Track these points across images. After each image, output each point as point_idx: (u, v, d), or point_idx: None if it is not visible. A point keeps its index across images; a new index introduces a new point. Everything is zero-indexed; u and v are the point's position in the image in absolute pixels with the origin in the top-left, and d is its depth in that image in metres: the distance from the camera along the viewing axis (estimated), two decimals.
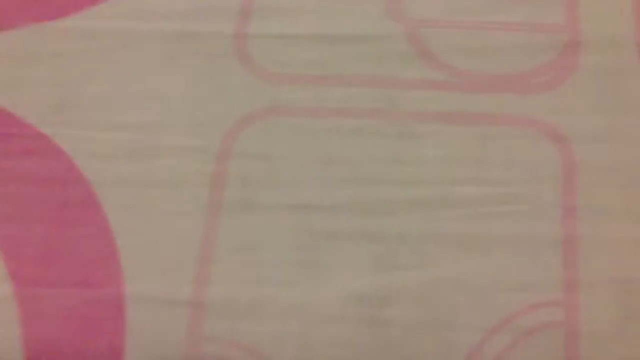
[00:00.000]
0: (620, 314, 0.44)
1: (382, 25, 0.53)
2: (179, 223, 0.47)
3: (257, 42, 0.53)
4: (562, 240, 0.46)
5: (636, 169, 0.48)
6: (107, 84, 0.52)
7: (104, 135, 0.50)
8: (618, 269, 0.45)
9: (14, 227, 0.48)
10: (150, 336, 0.45)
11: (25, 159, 0.49)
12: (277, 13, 0.54)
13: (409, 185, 0.48)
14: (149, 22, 0.54)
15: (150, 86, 0.52)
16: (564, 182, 0.48)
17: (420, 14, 0.54)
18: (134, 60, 0.53)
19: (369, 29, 0.53)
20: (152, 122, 0.51)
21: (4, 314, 0.45)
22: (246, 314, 0.45)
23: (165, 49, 0.53)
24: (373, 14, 0.54)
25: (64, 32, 0.54)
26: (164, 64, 0.52)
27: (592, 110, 0.50)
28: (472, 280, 0.45)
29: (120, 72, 0.52)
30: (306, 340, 0.44)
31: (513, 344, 0.44)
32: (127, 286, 0.46)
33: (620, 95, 0.50)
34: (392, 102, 0.51)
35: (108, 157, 0.49)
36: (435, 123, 0.50)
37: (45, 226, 0.47)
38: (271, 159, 0.49)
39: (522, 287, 0.45)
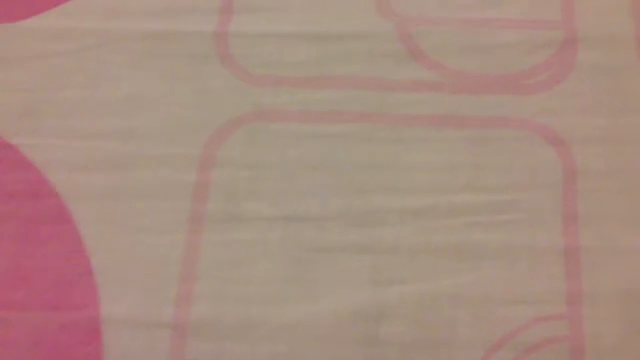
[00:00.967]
0: (625, 327, 0.42)
1: (372, 23, 0.51)
2: (158, 238, 0.45)
3: (239, 42, 0.50)
4: (564, 250, 0.44)
5: (637, 173, 0.46)
6: (79, 89, 0.49)
7: (77, 144, 0.47)
8: (622, 279, 0.44)
9: None
10: None
11: None
12: (261, 10, 0.51)
13: (402, 193, 0.46)
14: (124, 20, 0.51)
15: (127, 90, 0.49)
16: (565, 188, 0.46)
17: (412, 11, 0.52)
18: (109, 62, 0.50)
19: (359, 27, 0.51)
20: (129, 129, 0.48)
21: None
22: (233, 334, 0.43)
23: (142, 50, 0.50)
24: (362, 11, 0.52)
25: (33, 32, 0.51)
26: (141, 65, 0.50)
27: (591, 111, 0.48)
28: (471, 294, 0.43)
29: (94, 75, 0.49)
30: None
31: None
32: (103, 308, 0.43)
33: (620, 94, 0.49)
34: (383, 105, 0.49)
35: (81, 168, 0.47)
36: (428, 127, 0.48)
37: (13, 244, 0.45)
38: (257, 167, 0.47)
39: (524, 300, 0.43)
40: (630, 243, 0.44)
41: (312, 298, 0.43)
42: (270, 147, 0.47)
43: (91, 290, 0.43)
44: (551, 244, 0.45)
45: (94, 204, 0.46)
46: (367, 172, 0.47)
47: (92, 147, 0.47)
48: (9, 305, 0.43)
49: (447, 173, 0.47)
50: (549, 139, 0.47)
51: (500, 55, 0.50)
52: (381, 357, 0.42)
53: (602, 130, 0.48)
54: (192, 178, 0.46)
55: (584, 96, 0.49)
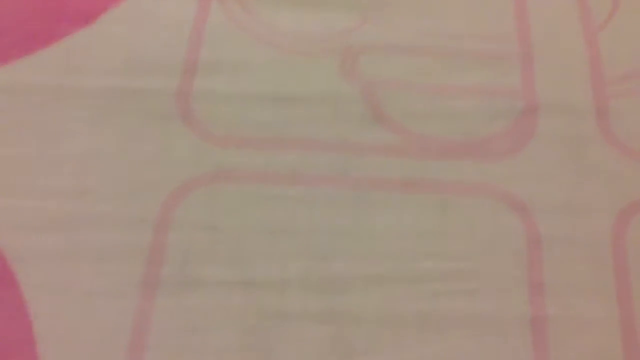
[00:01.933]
0: None
1: (336, 85, 0.51)
2: (107, 304, 0.42)
3: (201, 101, 0.49)
4: (530, 320, 0.43)
5: (601, 241, 0.46)
6: (29, 145, 0.47)
7: (25, 203, 0.45)
8: (589, 350, 0.43)
9: None
10: None
11: None
12: (224, 70, 0.50)
13: (364, 259, 0.45)
14: (83, 77, 0.50)
15: (79, 147, 0.47)
16: (529, 256, 0.45)
17: (376, 74, 0.51)
18: (62, 118, 0.48)
19: (322, 89, 0.50)
20: (81, 189, 0.46)
21: None
22: None
23: (99, 107, 0.48)
24: (326, 74, 0.51)
25: None
26: (96, 122, 0.48)
27: (553, 179, 0.48)
28: None
29: (44, 132, 0.47)
30: None
31: None
32: None
33: (581, 162, 0.49)
34: (346, 168, 0.48)
35: (28, 228, 0.44)
36: (391, 191, 0.47)
37: None
38: (215, 229, 0.45)
39: None
40: (595, 314, 0.44)
41: None
42: (230, 209, 0.46)
43: (32, 359, 0.40)
44: (518, 313, 0.43)
45: (39, 266, 0.43)
46: (328, 236, 0.45)
47: (41, 206, 0.45)
48: None
49: (412, 239, 0.46)
50: (512, 206, 0.47)
51: (462, 122, 0.50)
52: None
53: (564, 199, 0.47)
54: (147, 240, 0.44)
55: (546, 164, 0.49)
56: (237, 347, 0.42)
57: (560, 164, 0.49)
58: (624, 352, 0.42)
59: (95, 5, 0.53)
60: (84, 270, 0.43)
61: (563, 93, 0.51)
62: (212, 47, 0.51)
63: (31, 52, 0.50)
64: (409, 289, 0.44)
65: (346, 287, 0.44)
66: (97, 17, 0.52)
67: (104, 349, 0.41)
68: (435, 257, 0.45)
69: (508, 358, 0.42)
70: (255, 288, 0.43)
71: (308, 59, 0.52)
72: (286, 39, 0.52)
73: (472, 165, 0.48)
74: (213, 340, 0.42)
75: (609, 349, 0.43)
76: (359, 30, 0.53)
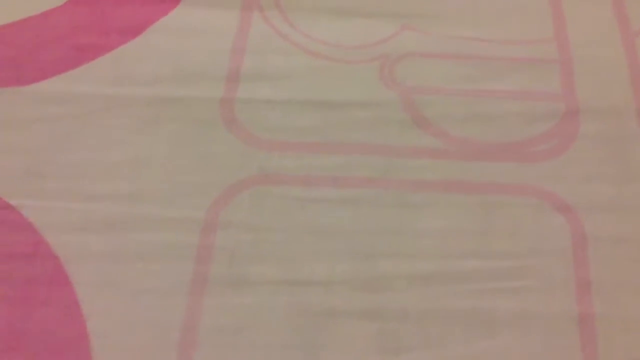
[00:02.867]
0: None
1: (376, 91, 0.51)
2: (158, 302, 0.43)
3: (245, 107, 0.50)
4: (578, 318, 0.43)
5: None
6: (82, 151, 0.48)
7: (76, 206, 0.46)
8: (638, 348, 0.42)
9: None
10: None
11: None
12: (267, 78, 0.52)
13: (408, 258, 0.45)
14: (131, 86, 0.51)
15: (130, 153, 0.48)
16: (575, 255, 0.45)
17: (414, 81, 0.52)
18: (113, 126, 0.49)
19: (363, 95, 0.51)
20: (130, 192, 0.47)
21: None
22: None
23: (147, 114, 0.50)
24: (366, 80, 0.52)
25: (40, 96, 0.51)
26: (145, 129, 0.49)
27: (597, 179, 0.48)
28: None
29: (97, 139, 0.49)
30: None
31: None
32: None
33: (624, 163, 0.49)
34: (388, 170, 0.48)
35: (80, 230, 0.45)
36: (433, 192, 0.47)
37: (9, 306, 0.43)
38: (261, 231, 0.46)
39: None
40: None
41: None
42: (275, 211, 0.46)
43: (85, 355, 0.41)
44: (565, 312, 0.43)
45: (92, 266, 0.44)
46: (373, 237, 0.46)
47: (93, 209, 0.46)
48: None
49: (455, 239, 0.46)
50: (557, 205, 0.47)
51: (502, 125, 0.50)
52: None
53: (609, 198, 0.47)
54: (195, 241, 0.45)
55: (589, 165, 0.48)
56: (284, 345, 0.42)
57: (604, 164, 0.48)
58: None
59: (142, 18, 0.54)
60: (135, 269, 0.44)
61: (604, 96, 0.51)
62: (254, 56, 0.52)
63: (82, 64, 0.52)
64: (454, 287, 0.44)
65: (391, 285, 0.44)
66: (143, 29, 0.54)
67: (155, 346, 0.42)
68: (480, 256, 0.45)
69: (556, 356, 0.42)
70: (302, 287, 0.44)
71: (347, 66, 0.53)
72: (326, 47, 0.53)
73: (513, 166, 0.48)
74: (261, 339, 0.42)
75: None
76: (396, 38, 0.54)
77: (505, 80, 0.52)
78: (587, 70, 0.53)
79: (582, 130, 0.50)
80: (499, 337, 0.42)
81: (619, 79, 0.52)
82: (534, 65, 0.53)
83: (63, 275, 0.44)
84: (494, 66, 0.53)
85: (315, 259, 0.45)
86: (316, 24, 0.55)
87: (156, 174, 0.47)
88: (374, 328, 0.42)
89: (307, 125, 0.50)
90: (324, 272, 0.44)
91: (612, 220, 0.46)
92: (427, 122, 0.50)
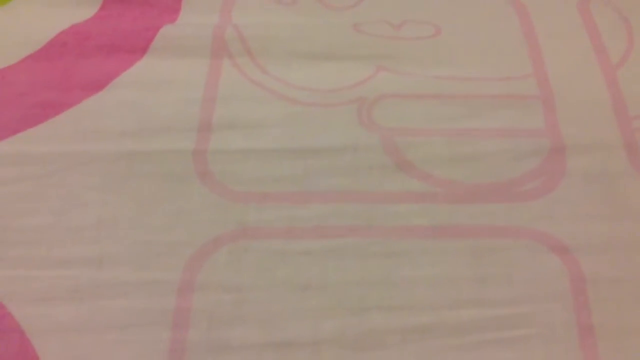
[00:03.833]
0: None
1: (356, 135, 0.49)
2: None
3: (219, 158, 0.48)
4: None
5: None
6: (43, 215, 0.45)
7: (42, 273, 0.43)
8: None
9: None
10: None
11: None
12: (240, 127, 0.49)
13: (400, 311, 0.42)
14: (94, 142, 0.48)
15: (95, 214, 0.45)
16: (575, 298, 0.43)
17: (395, 122, 0.50)
18: (76, 185, 0.46)
19: (342, 139, 0.49)
20: (98, 256, 0.44)
21: None
22: None
23: (113, 171, 0.47)
24: (344, 124, 0.50)
25: None
26: (112, 187, 0.46)
27: (590, 218, 0.46)
28: None
29: (59, 200, 0.46)
30: None
31: None
32: None
33: (616, 200, 0.47)
34: (372, 218, 0.46)
35: (46, 300, 0.42)
36: (421, 239, 0.45)
37: None
38: (241, 290, 0.43)
39: None
40: None
41: None
42: (256, 267, 0.44)
43: None
44: (569, 359, 0.41)
45: (60, 339, 0.41)
46: (361, 289, 0.43)
47: (58, 276, 0.43)
48: None
49: (448, 287, 0.43)
50: (552, 246, 0.45)
51: (488, 164, 0.48)
52: None
53: (605, 237, 0.45)
54: (171, 305, 0.42)
55: (581, 203, 0.47)
56: None
57: (595, 202, 0.47)
58: None
59: (106, 71, 0.52)
60: (107, 340, 0.41)
61: (589, 131, 0.50)
62: (226, 104, 0.50)
63: (41, 122, 0.49)
64: (450, 340, 0.41)
65: (384, 341, 0.41)
66: (107, 83, 0.51)
67: None
68: (476, 304, 0.43)
69: None
70: (287, 349, 0.41)
71: (324, 110, 0.51)
72: (300, 92, 0.51)
73: (503, 207, 0.46)
74: None
75: None
76: (372, 79, 0.53)
77: (487, 118, 0.51)
78: (569, 105, 0.51)
79: (569, 166, 0.48)
80: None
81: (603, 114, 0.51)
82: (514, 102, 0.51)
83: (30, 351, 0.40)
84: (474, 104, 0.51)
85: (301, 317, 0.42)
86: (289, 69, 0.53)
87: (125, 234, 0.44)
88: None
89: (285, 175, 0.47)
90: (311, 331, 0.41)
91: (609, 260, 0.44)
92: (410, 165, 0.48)
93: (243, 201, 0.46)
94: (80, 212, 0.45)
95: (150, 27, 0.55)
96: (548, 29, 0.56)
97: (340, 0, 0.59)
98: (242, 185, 0.47)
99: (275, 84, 0.52)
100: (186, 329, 0.41)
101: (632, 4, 0.58)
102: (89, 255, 0.44)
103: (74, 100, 0.50)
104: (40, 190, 0.46)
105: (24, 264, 0.43)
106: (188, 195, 0.46)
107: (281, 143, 0.49)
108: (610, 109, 0.51)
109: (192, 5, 0.57)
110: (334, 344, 0.41)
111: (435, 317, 0.42)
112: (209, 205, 0.46)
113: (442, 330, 0.42)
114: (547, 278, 0.44)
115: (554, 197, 0.47)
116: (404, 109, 0.51)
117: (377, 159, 0.48)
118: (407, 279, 0.43)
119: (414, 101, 0.51)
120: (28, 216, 0.45)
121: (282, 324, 0.42)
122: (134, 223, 0.45)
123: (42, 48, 0.53)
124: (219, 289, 0.43)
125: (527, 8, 0.58)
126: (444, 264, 0.44)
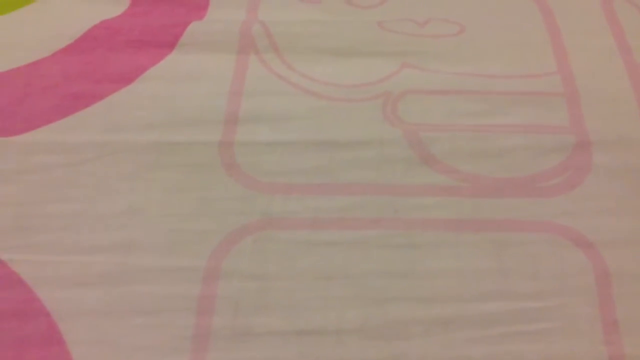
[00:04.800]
0: None
1: (380, 130, 0.50)
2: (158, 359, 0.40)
3: (245, 150, 0.48)
4: None
5: None
6: (74, 202, 0.46)
7: (70, 259, 0.44)
8: None
9: None
10: None
11: None
12: (266, 119, 0.50)
13: (424, 303, 0.42)
14: (124, 133, 0.49)
15: (125, 202, 0.46)
16: (600, 293, 0.42)
17: (419, 118, 0.50)
18: (106, 174, 0.47)
19: (366, 134, 0.49)
20: (127, 243, 0.44)
21: None
22: None
23: (142, 161, 0.48)
24: (369, 119, 0.50)
25: (30, 146, 0.48)
26: (140, 177, 0.47)
27: (615, 213, 0.46)
28: None
29: (89, 188, 0.47)
30: None
31: None
32: None
33: None
34: (396, 210, 0.46)
35: (74, 285, 0.43)
36: (445, 231, 0.45)
37: None
38: (266, 278, 0.43)
39: None
40: None
41: None
42: (280, 257, 0.44)
43: None
44: (594, 355, 0.41)
45: (86, 322, 0.41)
46: (384, 280, 0.43)
47: (86, 262, 0.44)
48: None
49: (472, 280, 0.43)
50: (576, 241, 0.45)
51: (512, 159, 0.48)
52: None
53: (629, 232, 0.45)
54: (196, 292, 0.42)
55: (606, 198, 0.46)
56: None
57: (620, 197, 0.46)
58: None
59: (135, 65, 0.53)
60: (132, 325, 0.41)
61: (614, 127, 0.50)
62: (252, 98, 0.51)
63: (72, 113, 0.50)
64: (474, 332, 0.41)
65: (407, 332, 0.41)
66: (137, 77, 0.52)
67: None
68: (500, 297, 0.43)
69: None
70: (311, 337, 0.41)
71: (349, 105, 0.51)
72: (325, 87, 0.52)
73: (527, 202, 0.46)
74: None
75: None
76: (397, 75, 0.53)
77: (511, 114, 0.51)
78: (594, 101, 0.51)
79: (595, 162, 0.48)
80: None
81: (628, 110, 0.51)
82: (538, 99, 0.51)
83: (56, 334, 0.41)
84: (498, 101, 0.51)
85: (325, 306, 0.42)
86: (314, 64, 0.53)
87: (153, 222, 0.45)
88: None
89: (310, 167, 0.48)
90: (334, 320, 0.42)
91: (634, 255, 0.44)
92: (434, 159, 0.48)
93: (268, 192, 0.46)
94: (110, 200, 0.46)
95: (179, 24, 0.56)
96: (572, 26, 0.56)
97: (365, 0, 0.60)
98: (267, 177, 0.47)
99: (301, 80, 0.52)
100: (211, 316, 0.42)
101: None
102: (118, 242, 0.44)
103: (104, 93, 0.51)
104: (71, 178, 0.47)
105: (54, 249, 0.44)
106: (214, 185, 0.47)
107: (307, 135, 0.49)
108: (636, 106, 0.51)
109: (219, 2, 0.58)
110: (357, 334, 0.41)
111: (459, 309, 0.42)
112: (235, 195, 0.46)
113: (466, 322, 0.42)
114: (571, 272, 0.43)
115: (579, 192, 0.47)
116: (428, 105, 0.51)
117: (402, 152, 0.49)
118: (431, 271, 0.44)
119: (438, 97, 0.52)
120: (59, 203, 0.46)
121: (306, 312, 0.42)
122: (161, 212, 0.45)
123: (75, 42, 0.54)
124: (244, 277, 0.43)
125: (550, 6, 0.58)
126: (467, 256, 0.44)
